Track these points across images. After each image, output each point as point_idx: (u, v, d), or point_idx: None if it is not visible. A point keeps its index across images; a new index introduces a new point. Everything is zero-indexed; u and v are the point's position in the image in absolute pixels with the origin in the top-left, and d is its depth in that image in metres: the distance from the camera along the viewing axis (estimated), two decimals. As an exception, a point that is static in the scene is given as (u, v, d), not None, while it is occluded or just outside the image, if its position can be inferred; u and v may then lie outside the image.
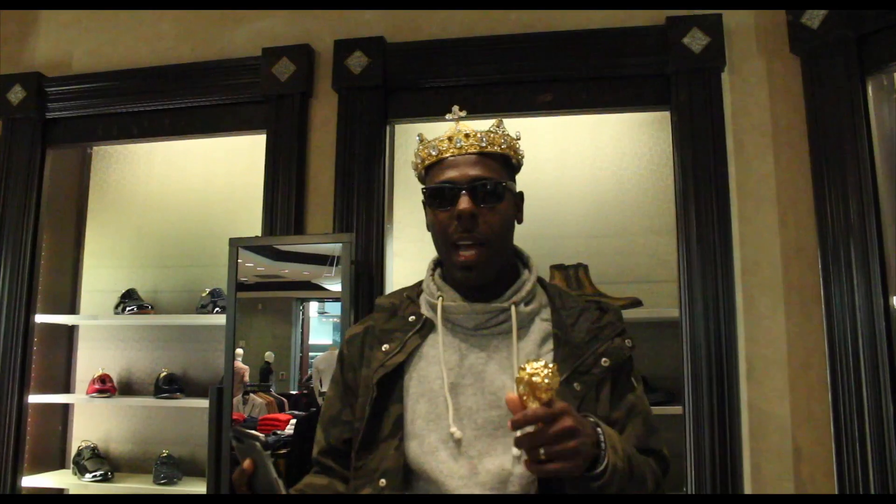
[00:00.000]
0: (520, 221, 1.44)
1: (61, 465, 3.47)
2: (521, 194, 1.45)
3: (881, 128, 2.58)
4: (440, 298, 1.39)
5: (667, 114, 2.91)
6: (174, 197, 3.58)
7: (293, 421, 2.85)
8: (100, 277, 3.61)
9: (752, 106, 2.77)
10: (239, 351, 2.85)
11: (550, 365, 1.08)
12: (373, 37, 3.01)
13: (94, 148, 3.65)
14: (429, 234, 1.42)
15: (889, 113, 2.62)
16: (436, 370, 1.34)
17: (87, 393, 3.29)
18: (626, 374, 1.38)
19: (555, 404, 1.07)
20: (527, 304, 1.38)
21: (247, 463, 1.30)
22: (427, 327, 1.39)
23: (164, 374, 3.29)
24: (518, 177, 1.44)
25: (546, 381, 1.06)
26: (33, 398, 3.25)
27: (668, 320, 2.82)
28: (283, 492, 1.28)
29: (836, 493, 2.45)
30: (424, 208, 1.41)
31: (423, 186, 1.39)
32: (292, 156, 3.02)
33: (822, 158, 2.59)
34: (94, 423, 3.50)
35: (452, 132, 1.38)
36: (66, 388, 3.52)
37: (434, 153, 1.38)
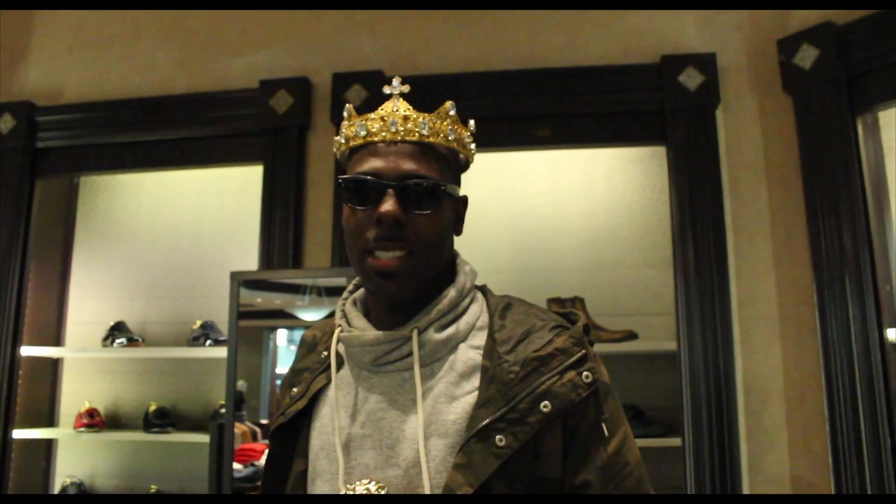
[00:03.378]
0: (458, 233, 1.16)
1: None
2: (463, 200, 1.16)
3: (869, 164, 2.66)
4: (339, 328, 1.12)
5: (658, 149, 2.99)
6: (164, 228, 3.54)
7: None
8: (86, 309, 3.54)
9: (746, 143, 2.84)
10: (241, 383, 2.82)
11: (373, 486, 0.97)
12: (372, 70, 3.03)
13: (82, 178, 3.60)
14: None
15: (875, 150, 2.70)
16: (333, 419, 1.10)
17: (75, 427, 3.21)
18: (590, 421, 1.02)
19: None
20: (442, 328, 1.07)
21: None
22: (336, 364, 1.14)
23: (154, 407, 3.22)
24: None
25: None
26: (17, 433, 3.16)
27: (663, 352, 2.86)
28: None
29: (835, 524, 2.49)
30: (343, 203, 1.10)
31: (341, 177, 1.09)
32: (290, 189, 3.02)
33: (815, 194, 2.66)
34: (78, 458, 3.42)
35: (388, 111, 1.09)
36: (50, 422, 3.44)
37: (362, 134, 1.08)
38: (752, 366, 2.73)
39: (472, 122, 1.15)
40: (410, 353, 1.05)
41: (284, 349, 3.21)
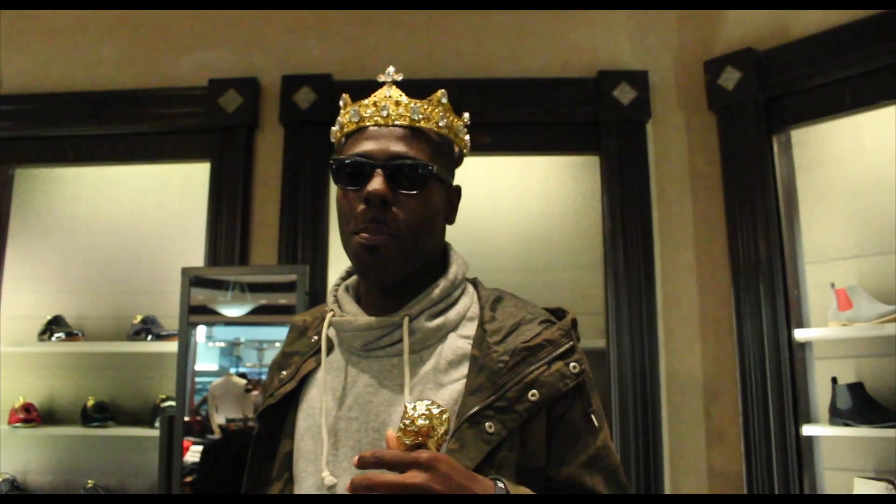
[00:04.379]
0: (450, 222, 1.19)
1: (-27, 499, 3.32)
2: (457, 190, 1.20)
3: (782, 179, 2.91)
4: (331, 313, 1.15)
5: (591, 158, 3.18)
6: (103, 222, 3.51)
7: (195, 448, 2.88)
8: (20, 303, 3.48)
9: (673, 156, 3.06)
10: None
11: (434, 408, 0.90)
12: (321, 74, 3.11)
13: (18, 170, 3.53)
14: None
15: (787, 166, 2.96)
16: (321, 401, 1.11)
17: (10, 423, 3.17)
18: (579, 412, 1.05)
19: (424, 455, 0.87)
20: (433, 316, 1.10)
21: None
22: (327, 349, 1.16)
23: (93, 402, 3.21)
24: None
25: (416, 424, 0.89)
26: (-52, 429, 3.11)
27: (592, 350, 3.03)
28: None
29: (746, 507, 2.72)
30: (337, 186, 1.15)
31: (332, 157, 1.12)
32: (237, 187, 3.07)
33: (734, 205, 2.89)
34: (10, 454, 3.36)
35: (380, 97, 1.13)
36: (-21, 417, 3.38)
37: (355, 119, 1.12)
38: (674, 363, 2.95)
39: (466, 114, 1.19)
40: (401, 340, 1.08)
41: (203, 346, 3.24)
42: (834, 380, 2.67)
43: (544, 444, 1.03)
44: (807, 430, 2.69)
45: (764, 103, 2.87)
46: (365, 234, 1.06)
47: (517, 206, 3.37)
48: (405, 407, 0.90)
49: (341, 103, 1.17)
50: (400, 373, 1.07)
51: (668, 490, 2.85)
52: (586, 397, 1.07)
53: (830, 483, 2.75)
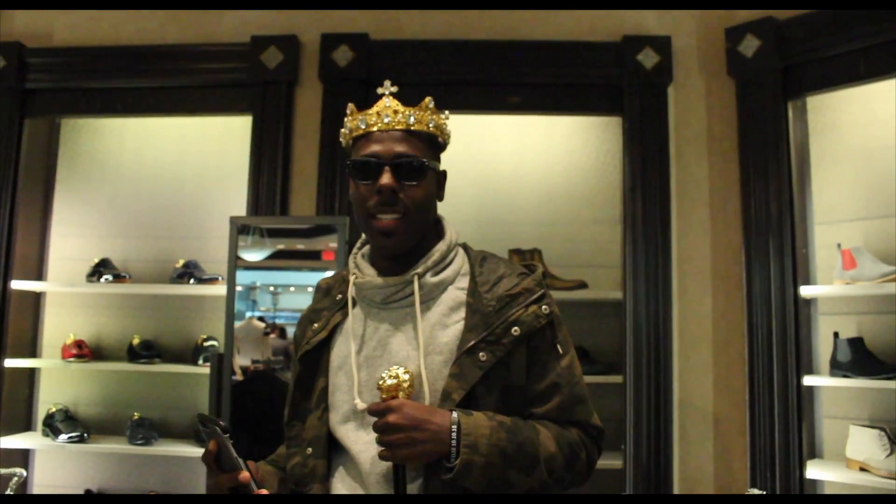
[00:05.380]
0: (440, 199, 1.48)
1: (27, 427, 3.57)
2: (443, 173, 1.49)
3: (796, 143, 3.06)
4: (354, 276, 1.44)
5: (612, 118, 3.33)
6: (145, 170, 3.69)
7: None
8: (68, 246, 3.69)
9: (692, 118, 3.21)
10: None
11: (401, 371, 1.28)
12: (358, 33, 3.26)
13: (64, 119, 3.71)
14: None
15: (802, 131, 3.10)
16: (350, 344, 1.41)
17: (64, 357, 3.40)
18: (549, 342, 1.38)
19: (393, 402, 1.24)
20: (436, 273, 1.40)
21: (212, 444, 1.32)
22: (350, 304, 1.45)
23: (138, 340, 3.43)
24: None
25: (386, 384, 1.27)
26: (9, 362, 3.35)
27: (608, 301, 3.24)
28: (244, 469, 1.31)
29: (748, 449, 2.92)
30: (349, 180, 1.43)
31: (349, 159, 1.42)
32: (278, 140, 3.24)
33: (749, 167, 3.05)
34: (61, 387, 3.60)
35: (381, 107, 1.40)
36: (32, 353, 3.61)
37: (362, 126, 1.40)
38: (686, 315, 3.14)
39: (447, 112, 1.47)
40: (412, 294, 1.38)
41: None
42: (836, 334, 2.85)
43: (524, 367, 1.36)
44: (808, 380, 2.87)
45: (781, 70, 3.00)
46: (381, 221, 1.35)
47: (542, 164, 3.52)
48: (382, 375, 1.28)
49: (348, 111, 1.44)
50: (413, 318, 1.38)
51: (675, 432, 3.06)
52: (554, 332, 1.40)
53: (828, 430, 2.95)
